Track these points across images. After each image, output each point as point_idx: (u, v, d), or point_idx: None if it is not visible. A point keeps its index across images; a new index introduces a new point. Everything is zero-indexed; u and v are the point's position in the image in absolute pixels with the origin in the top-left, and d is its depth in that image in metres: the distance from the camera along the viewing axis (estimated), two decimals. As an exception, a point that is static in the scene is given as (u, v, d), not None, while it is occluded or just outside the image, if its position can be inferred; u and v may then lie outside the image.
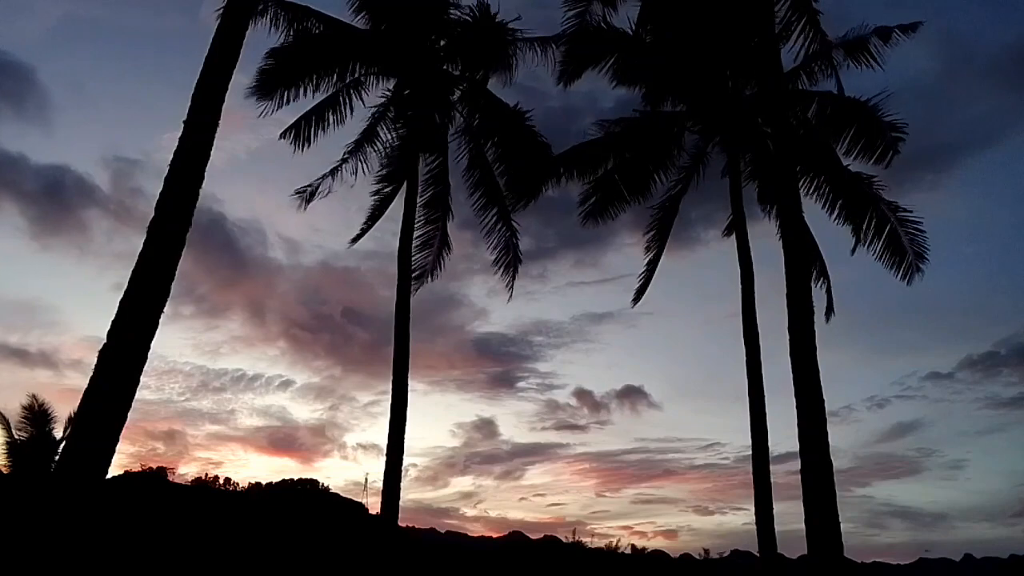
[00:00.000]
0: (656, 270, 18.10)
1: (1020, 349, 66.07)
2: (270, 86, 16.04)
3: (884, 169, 14.33)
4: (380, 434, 70.55)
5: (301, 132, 16.76)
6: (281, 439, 68.20)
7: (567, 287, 67.18)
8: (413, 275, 17.45)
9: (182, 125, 9.47)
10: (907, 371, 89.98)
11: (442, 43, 16.98)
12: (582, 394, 73.55)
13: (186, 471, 47.88)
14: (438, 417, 75.58)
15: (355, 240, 18.09)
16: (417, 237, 17.44)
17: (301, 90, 16.37)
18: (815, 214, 15.91)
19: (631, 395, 71.12)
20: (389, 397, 15.32)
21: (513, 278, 17.48)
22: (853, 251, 16.03)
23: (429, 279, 18.20)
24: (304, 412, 78.52)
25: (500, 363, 72.29)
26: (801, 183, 15.46)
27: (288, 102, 16.38)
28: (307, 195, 17.67)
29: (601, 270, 72.34)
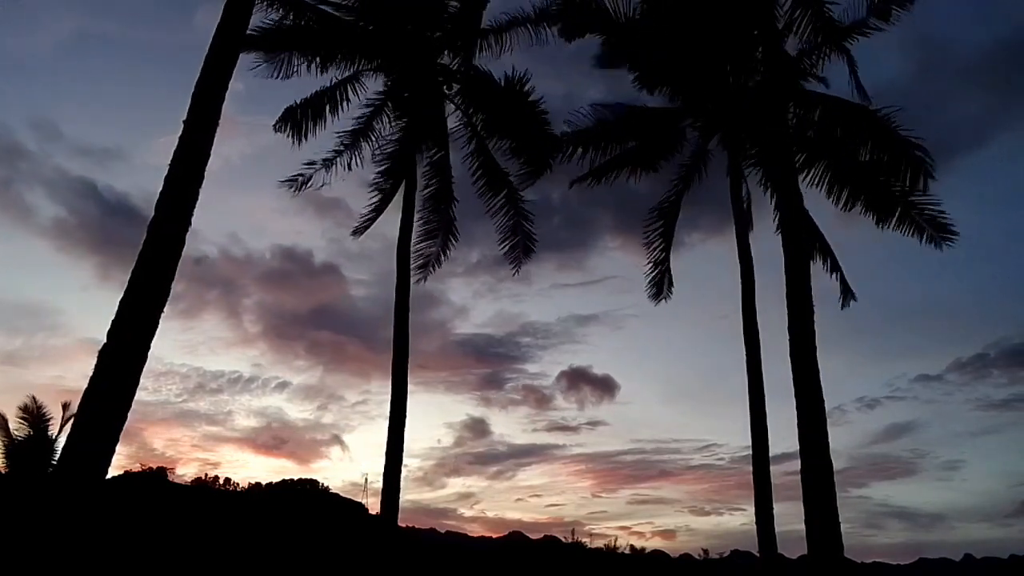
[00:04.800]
0: (666, 269, 18.02)
1: (1009, 351, 66.53)
2: (268, 47, 15.94)
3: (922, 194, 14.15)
4: (371, 434, 70.80)
5: (298, 122, 16.49)
6: (273, 440, 68.25)
7: (551, 289, 67.85)
8: (415, 264, 17.36)
9: (181, 125, 9.48)
10: (897, 373, 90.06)
11: (437, 35, 16.91)
12: (531, 390, 73.48)
13: (184, 471, 47.86)
14: (430, 418, 75.78)
15: (357, 232, 17.88)
16: (420, 228, 17.41)
17: (295, 68, 16.36)
18: (824, 208, 15.94)
19: (581, 381, 70.90)
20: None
21: (519, 261, 17.40)
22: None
23: (433, 268, 18.02)
24: (294, 412, 78.72)
25: (489, 364, 72.69)
26: (805, 176, 15.34)
27: (286, 75, 16.38)
28: (298, 184, 17.41)
29: (585, 273, 72.86)
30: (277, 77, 16.41)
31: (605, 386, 71.92)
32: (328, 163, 17.19)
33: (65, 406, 20.35)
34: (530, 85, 15.94)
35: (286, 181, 17.44)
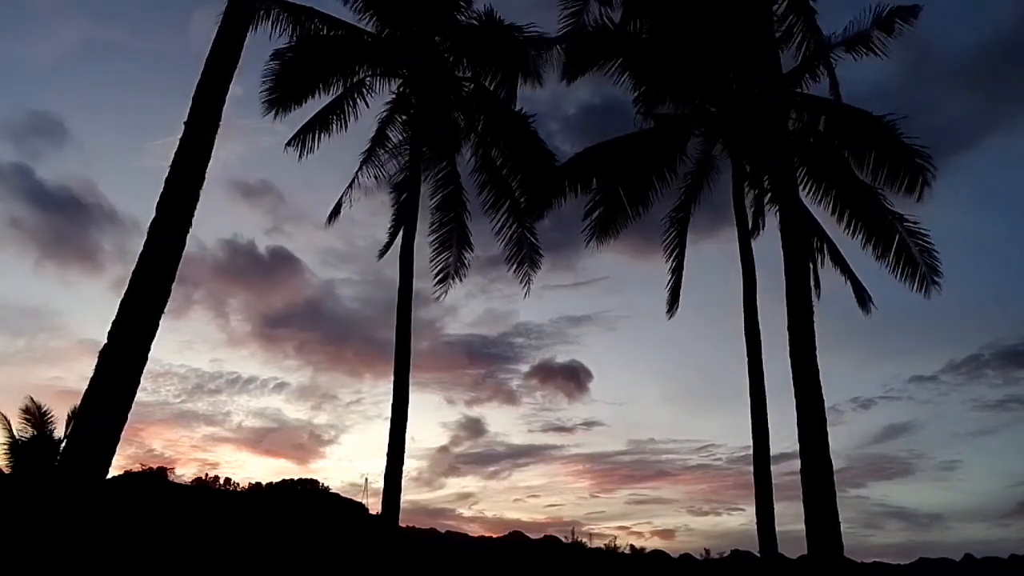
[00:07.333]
0: (682, 275, 17.84)
1: (1003, 352, 66.46)
2: (280, 100, 16.12)
3: (916, 203, 13.75)
4: (367, 433, 70.86)
5: (306, 140, 16.83)
6: (271, 439, 68.21)
7: (543, 290, 67.41)
8: (437, 278, 17.57)
9: (183, 126, 9.51)
10: (891, 373, 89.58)
11: (448, 44, 16.95)
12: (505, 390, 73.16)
13: (183, 472, 47.84)
14: (426, 418, 75.59)
15: (383, 252, 17.74)
16: (434, 240, 17.53)
17: (309, 98, 16.53)
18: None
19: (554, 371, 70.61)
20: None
21: (529, 274, 17.50)
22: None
23: (454, 280, 17.83)
24: (290, 412, 78.70)
25: (482, 364, 72.39)
26: (808, 190, 15.40)
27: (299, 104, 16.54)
28: (332, 212, 17.81)
29: (577, 274, 73.06)
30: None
31: (599, 384, 72.10)
32: (353, 182, 17.57)
33: (72, 416, 20.38)
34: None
35: (329, 219, 17.81)
